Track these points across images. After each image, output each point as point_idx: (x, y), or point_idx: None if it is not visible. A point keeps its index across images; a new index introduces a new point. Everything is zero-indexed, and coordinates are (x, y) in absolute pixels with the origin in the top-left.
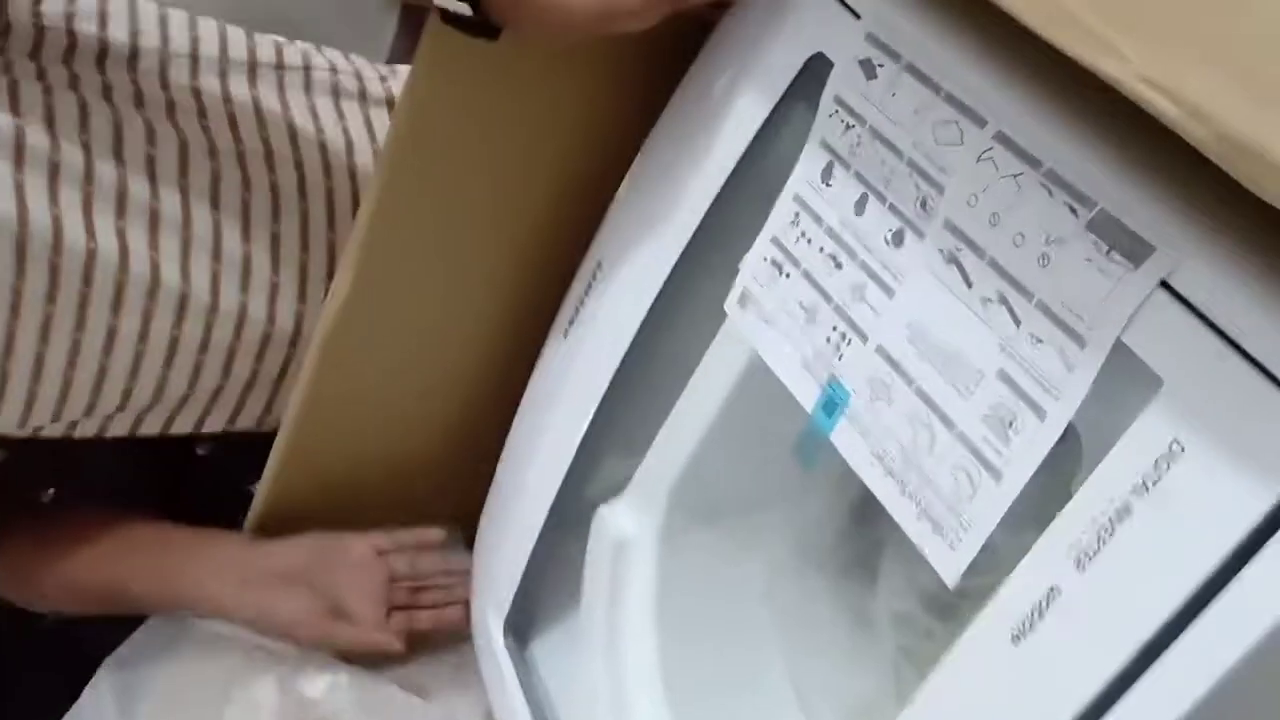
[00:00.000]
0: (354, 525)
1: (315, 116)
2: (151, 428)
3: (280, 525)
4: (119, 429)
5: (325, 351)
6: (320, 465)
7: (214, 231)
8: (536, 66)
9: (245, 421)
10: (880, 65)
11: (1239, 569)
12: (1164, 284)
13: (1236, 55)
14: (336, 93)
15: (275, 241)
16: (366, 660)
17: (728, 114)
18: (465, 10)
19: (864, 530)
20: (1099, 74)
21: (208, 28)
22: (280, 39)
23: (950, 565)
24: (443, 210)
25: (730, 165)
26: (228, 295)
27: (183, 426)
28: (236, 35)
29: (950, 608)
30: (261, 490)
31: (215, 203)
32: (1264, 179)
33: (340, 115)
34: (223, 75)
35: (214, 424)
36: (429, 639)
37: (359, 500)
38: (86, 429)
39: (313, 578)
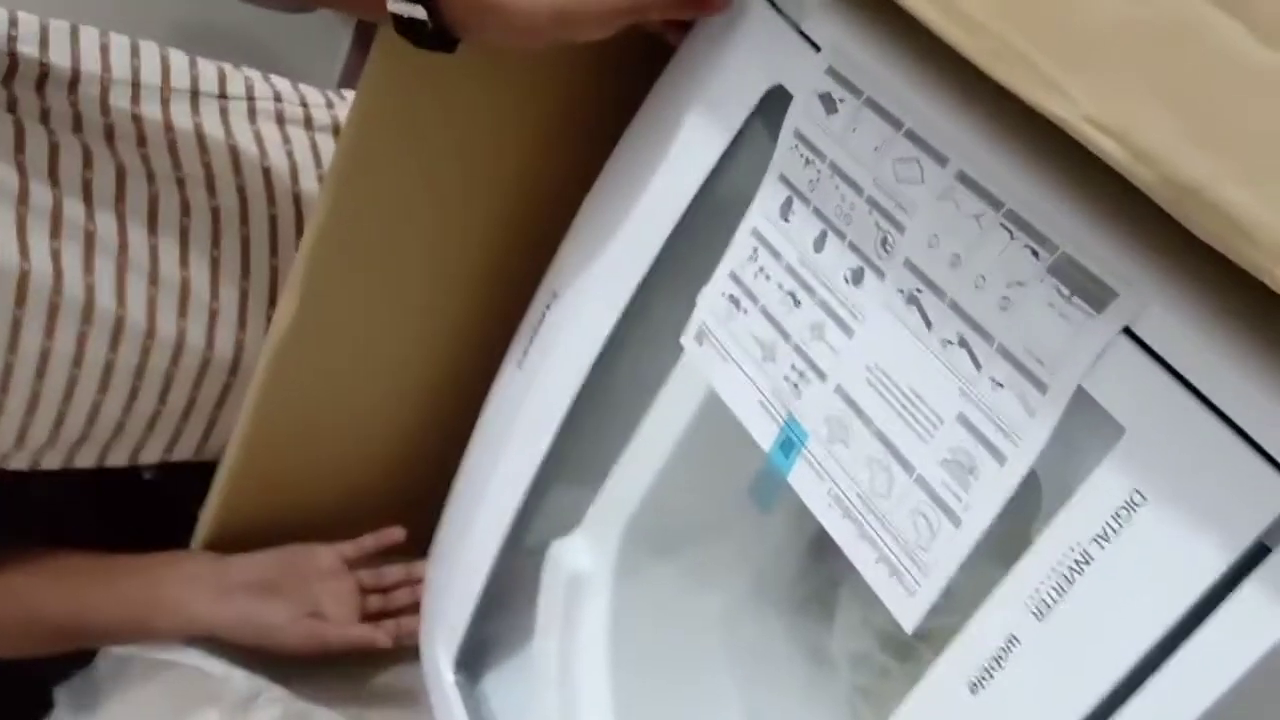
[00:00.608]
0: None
1: (259, 141)
2: (86, 460)
3: (227, 548)
4: (52, 462)
5: (271, 374)
6: (266, 488)
7: (150, 256)
8: (489, 88)
9: (183, 451)
10: (841, 100)
11: (1200, 622)
12: (1127, 330)
13: (1182, 95)
14: (281, 119)
15: (215, 266)
16: (317, 688)
17: (686, 143)
18: (420, 15)
19: (821, 566)
20: (1046, 115)
21: (150, 54)
22: (225, 66)
23: (908, 611)
24: (390, 233)
25: (688, 196)
26: (164, 320)
27: (118, 458)
28: (180, 62)
29: (907, 647)
30: (207, 514)
31: (153, 227)
32: (1204, 221)
33: (285, 140)
34: (164, 103)
35: (150, 454)
36: (383, 656)
37: (307, 523)
38: (19, 461)
39: (287, 587)
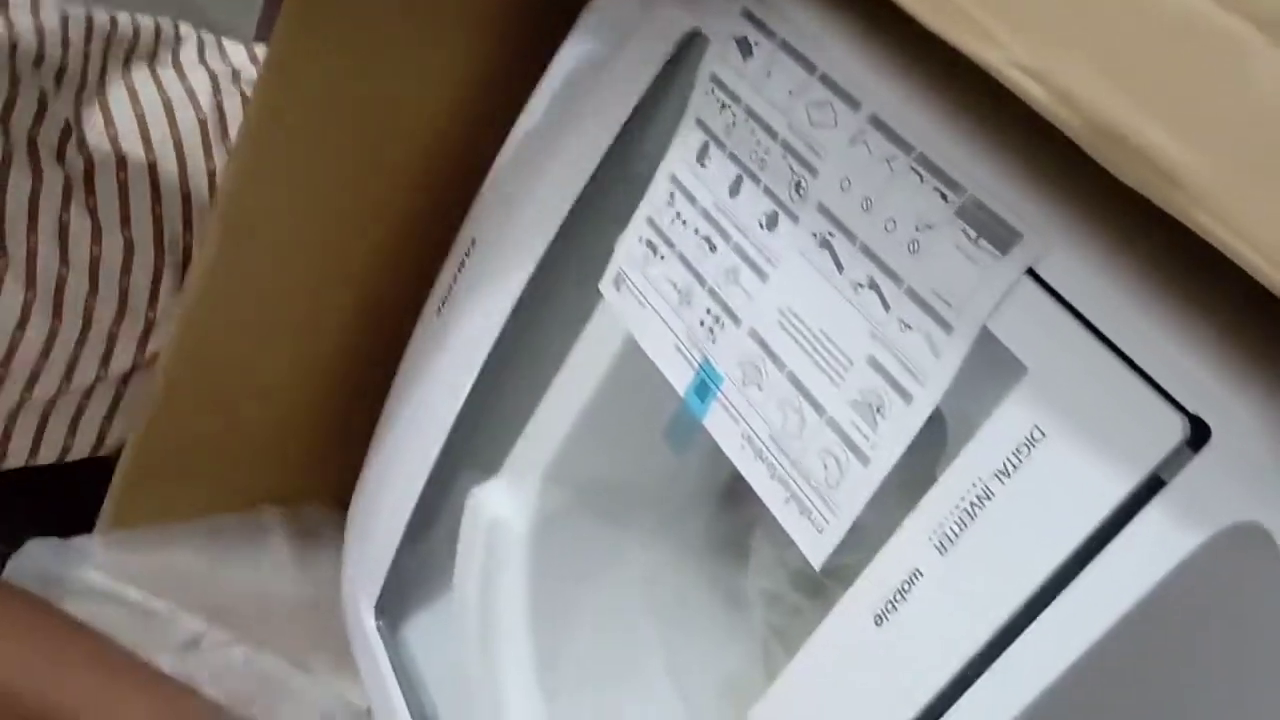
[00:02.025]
0: (224, 509)
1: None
2: None
3: (143, 502)
4: None
5: (185, 327)
6: (180, 444)
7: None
8: (405, 35)
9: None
10: (756, 43)
11: (1094, 554)
12: (1031, 272)
13: (1109, 41)
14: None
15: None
16: (262, 631)
17: (603, 89)
18: None
19: (737, 510)
20: (975, 60)
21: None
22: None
23: (817, 548)
24: (307, 181)
25: (606, 142)
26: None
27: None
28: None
29: (818, 585)
30: (118, 476)
31: None
32: (1127, 164)
33: (215, 90)
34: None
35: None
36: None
37: (225, 474)
38: None
39: None
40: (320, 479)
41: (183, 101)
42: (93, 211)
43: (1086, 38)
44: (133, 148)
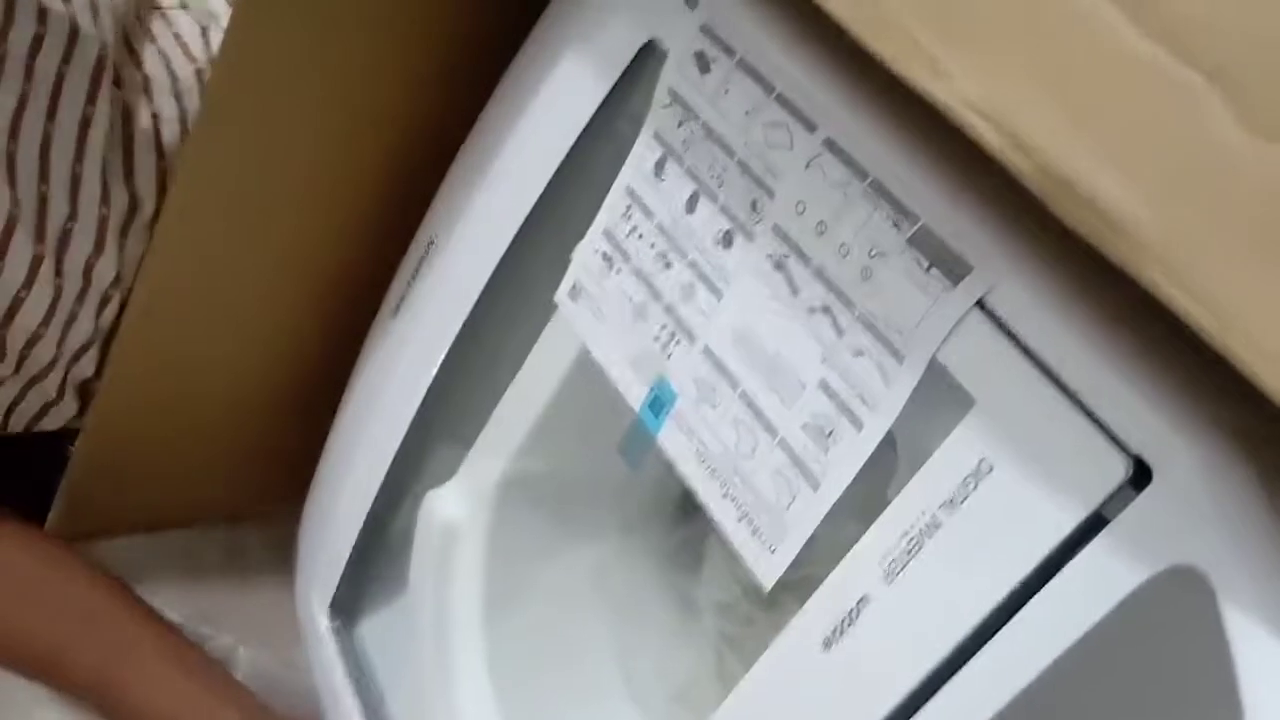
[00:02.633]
0: (177, 508)
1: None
2: None
3: (86, 513)
4: None
5: (139, 321)
6: (131, 443)
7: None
8: (366, 26)
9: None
10: (714, 59)
11: (1037, 590)
12: (981, 304)
13: (1063, 83)
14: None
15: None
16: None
17: (562, 96)
18: None
19: (691, 519)
20: (921, 92)
21: None
22: None
23: (767, 569)
24: (261, 175)
25: (564, 149)
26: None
27: None
28: None
29: (770, 597)
30: (64, 485)
31: None
32: (1075, 212)
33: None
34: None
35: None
36: None
37: (178, 473)
38: None
39: None
40: (276, 477)
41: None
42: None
43: (1039, 79)
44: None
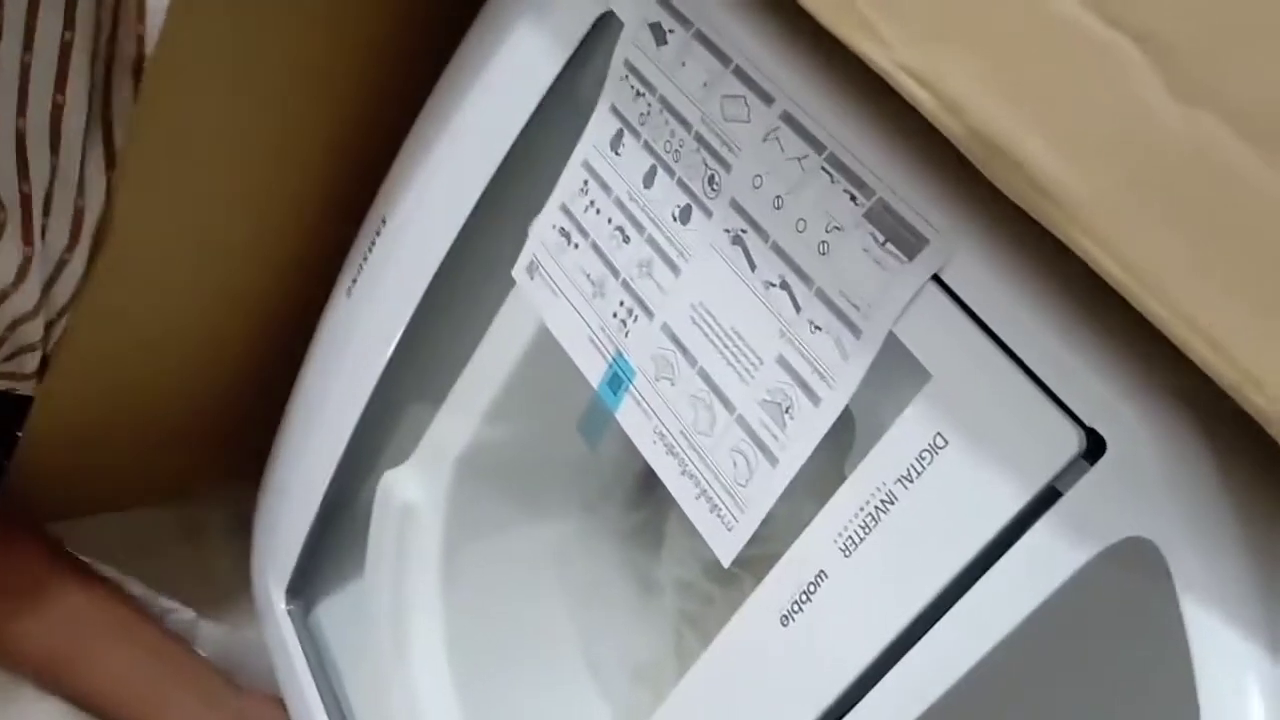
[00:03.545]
0: (132, 490)
1: None
2: None
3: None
4: None
5: (92, 298)
6: (82, 426)
7: None
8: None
9: None
10: (670, 31)
11: (992, 563)
12: (936, 278)
13: (994, 46)
14: None
15: None
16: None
17: (517, 68)
18: None
19: (650, 497)
20: (859, 54)
21: None
22: None
23: (726, 545)
24: (211, 152)
25: (520, 123)
26: None
27: None
28: None
29: (730, 575)
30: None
31: None
32: (1006, 176)
33: None
34: None
35: None
36: None
37: (131, 463)
38: None
39: None
40: (230, 460)
41: None
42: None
43: (972, 43)
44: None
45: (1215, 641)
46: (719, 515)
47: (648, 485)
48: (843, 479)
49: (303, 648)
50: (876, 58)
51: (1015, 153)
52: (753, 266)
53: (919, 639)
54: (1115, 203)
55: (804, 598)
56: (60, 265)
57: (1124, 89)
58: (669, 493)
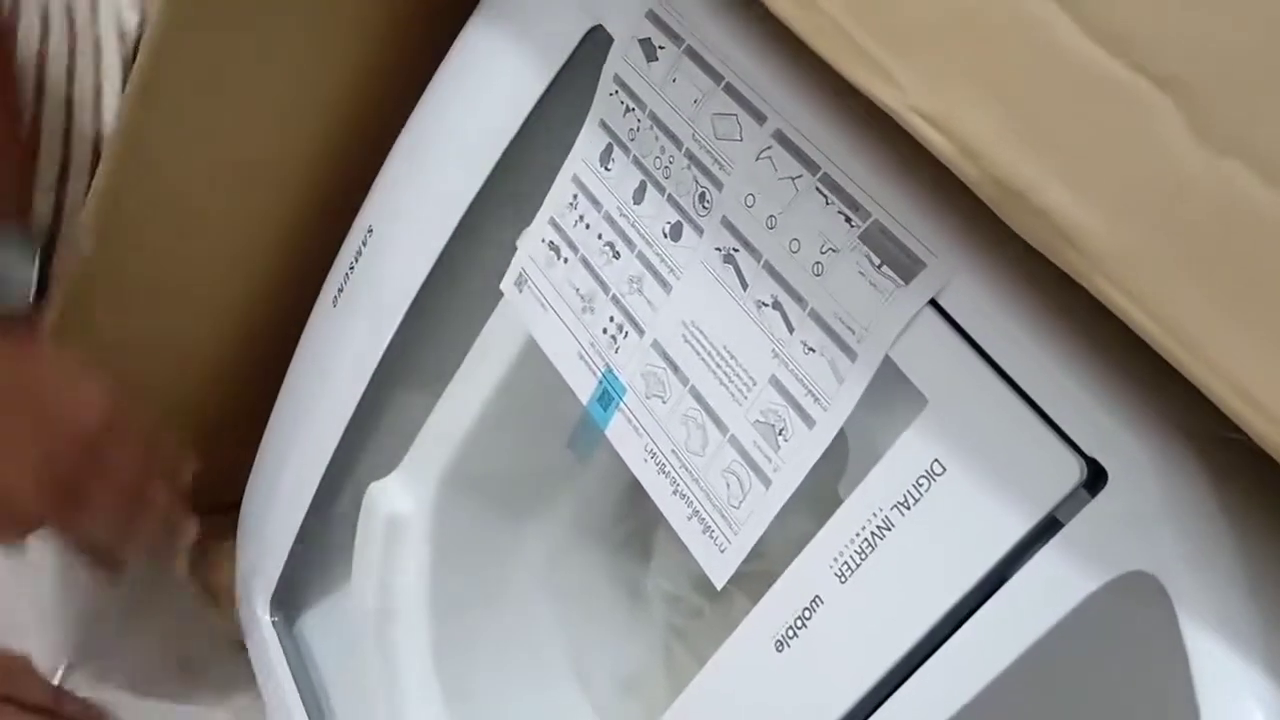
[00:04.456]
0: None
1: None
2: None
3: None
4: None
5: (61, 320)
6: None
7: None
8: (302, 12)
9: None
10: (661, 47)
11: (991, 594)
12: (934, 302)
13: (1012, 90)
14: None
15: None
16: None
17: (505, 80)
18: None
19: (639, 508)
20: (871, 98)
21: None
22: None
23: (718, 567)
24: (194, 163)
25: (508, 135)
26: None
27: None
28: None
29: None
30: None
31: None
32: (1026, 222)
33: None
34: None
35: None
36: None
37: None
38: None
39: None
40: (212, 470)
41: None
42: None
43: (989, 87)
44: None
45: (1220, 676)
46: (711, 536)
47: (636, 496)
48: (837, 499)
49: (287, 659)
50: (889, 101)
51: (1037, 200)
52: (745, 285)
53: (916, 669)
54: (1142, 252)
55: (799, 623)
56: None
57: (1148, 135)
58: (657, 507)
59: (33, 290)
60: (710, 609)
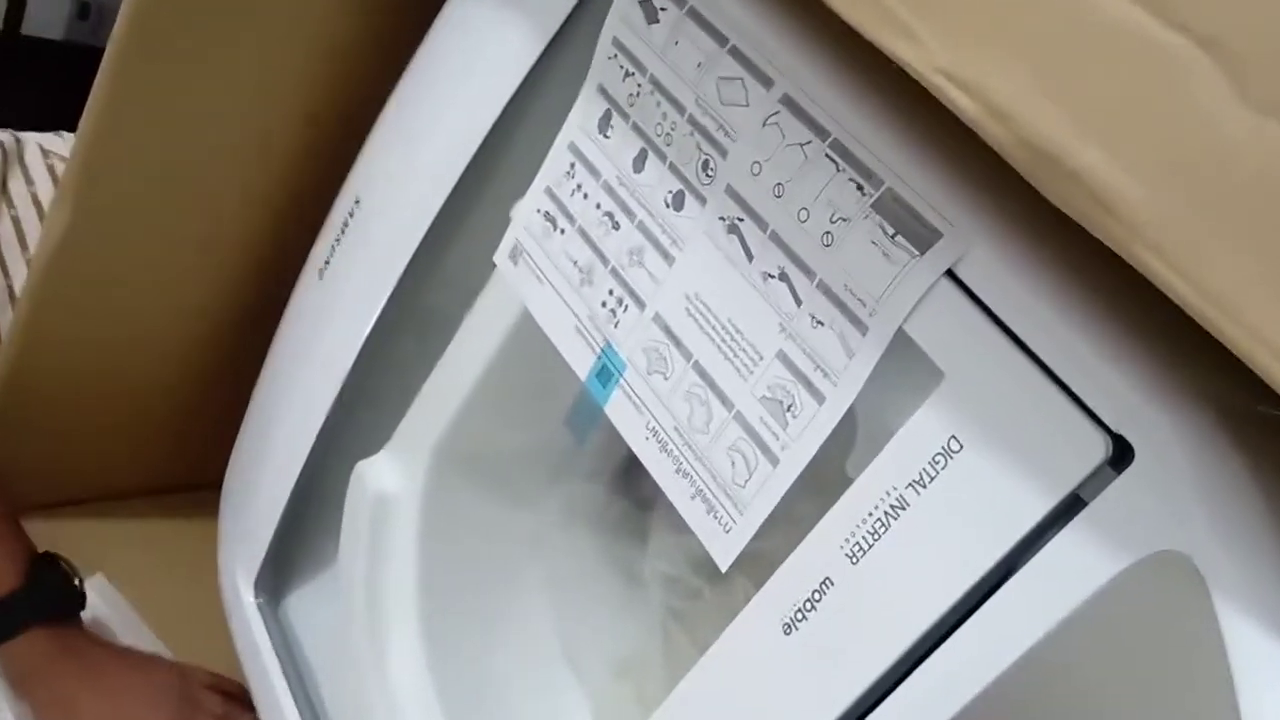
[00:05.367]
0: (86, 482)
1: None
2: None
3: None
4: None
5: (43, 285)
6: (42, 409)
7: None
8: None
9: None
10: (662, 8)
11: (1010, 575)
12: (950, 273)
13: (1044, 51)
14: None
15: None
16: None
17: (497, 45)
18: None
19: (634, 488)
20: (895, 59)
21: None
22: None
23: (724, 549)
24: (175, 130)
25: (501, 102)
26: None
27: None
28: None
29: (718, 570)
30: None
31: None
32: (1061, 188)
33: None
34: None
35: None
36: None
37: (88, 451)
38: None
39: None
40: (193, 449)
41: None
42: None
43: (1019, 48)
44: None
45: (1258, 661)
46: (716, 517)
47: (632, 476)
48: (844, 477)
49: (272, 642)
50: (914, 62)
51: (1070, 163)
52: (750, 257)
53: (931, 652)
54: (1183, 219)
55: (808, 606)
56: None
57: (1189, 96)
58: (653, 485)
59: None
60: (710, 591)
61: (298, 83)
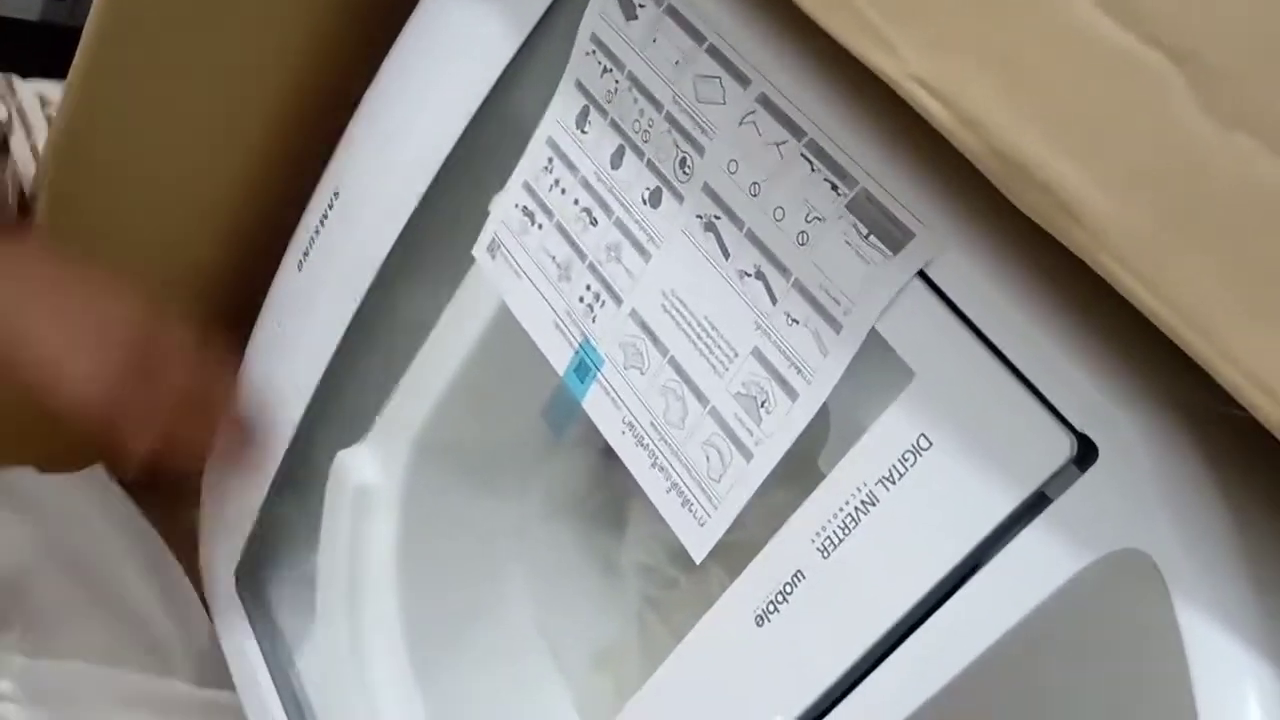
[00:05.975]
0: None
1: None
2: None
3: None
4: None
5: None
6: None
7: None
8: None
9: None
10: (641, 5)
11: (976, 569)
12: (922, 274)
13: (1017, 62)
14: None
15: None
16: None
17: (476, 37)
18: None
19: (613, 478)
20: (870, 66)
21: None
22: None
23: (698, 542)
24: (150, 116)
25: (480, 95)
26: None
27: None
28: None
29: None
30: None
31: None
32: (1030, 196)
33: None
34: None
35: None
36: None
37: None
38: None
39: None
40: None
41: None
42: None
43: (993, 58)
44: None
45: (1215, 657)
46: (691, 510)
47: (610, 466)
48: (817, 472)
49: (254, 631)
50: (889, 70)
51: (1040, 174)
52: (726, 255)
53: (899, 645)
54: (1150, 229)
55: (780, 598)
56: None
57: (1159, 109)
58: (631, 476)
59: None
60: (686, 580)
61: (277, 71)
